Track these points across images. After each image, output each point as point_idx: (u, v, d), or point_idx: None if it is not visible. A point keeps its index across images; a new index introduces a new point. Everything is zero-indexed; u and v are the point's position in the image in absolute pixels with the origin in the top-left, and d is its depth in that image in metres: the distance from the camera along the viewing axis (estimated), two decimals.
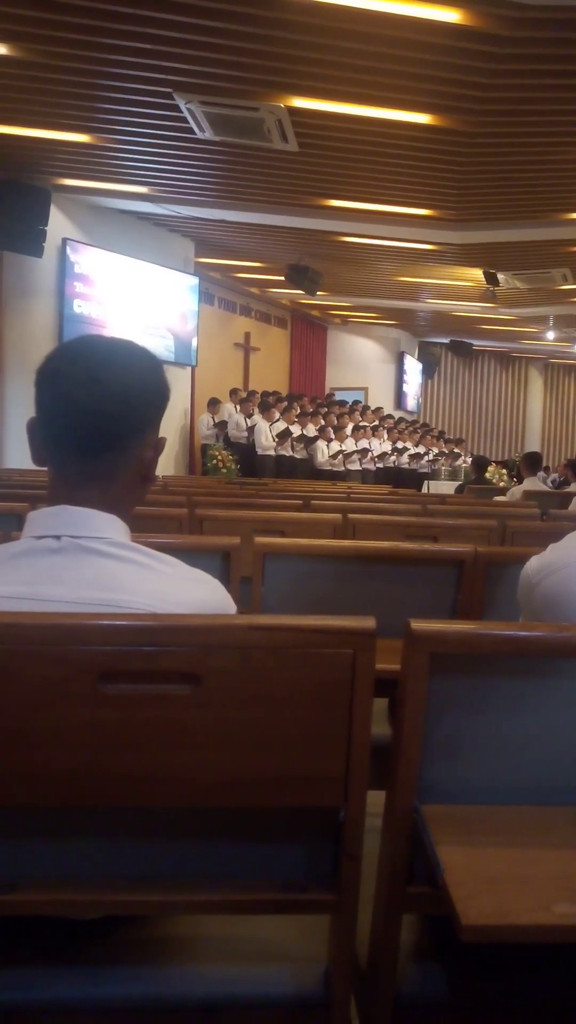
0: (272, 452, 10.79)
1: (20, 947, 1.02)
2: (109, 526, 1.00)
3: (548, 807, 1.00)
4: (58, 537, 0.98)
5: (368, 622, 0.91)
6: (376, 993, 1.01)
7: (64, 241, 8.38)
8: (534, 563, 1.31)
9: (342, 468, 11.71)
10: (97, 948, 1.03)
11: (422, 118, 5.70)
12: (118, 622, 0.88)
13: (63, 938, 1.04)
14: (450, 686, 0.97)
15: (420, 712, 0.96)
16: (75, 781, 0.90)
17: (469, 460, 11.45)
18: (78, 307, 8.61)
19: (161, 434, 1.10)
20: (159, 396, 1.07)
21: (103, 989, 0.99)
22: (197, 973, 1.01)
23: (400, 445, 13.31)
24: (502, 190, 7.21)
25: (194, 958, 1.03)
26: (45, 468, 1.05)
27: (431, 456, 14.05)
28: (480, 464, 9.34)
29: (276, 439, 10.72)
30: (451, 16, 4.32)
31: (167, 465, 9.81)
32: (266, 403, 11.03)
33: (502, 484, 9.74)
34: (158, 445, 1.08)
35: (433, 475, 13.49)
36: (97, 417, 1.00)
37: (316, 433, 11.58)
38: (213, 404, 10.76)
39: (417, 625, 0.94)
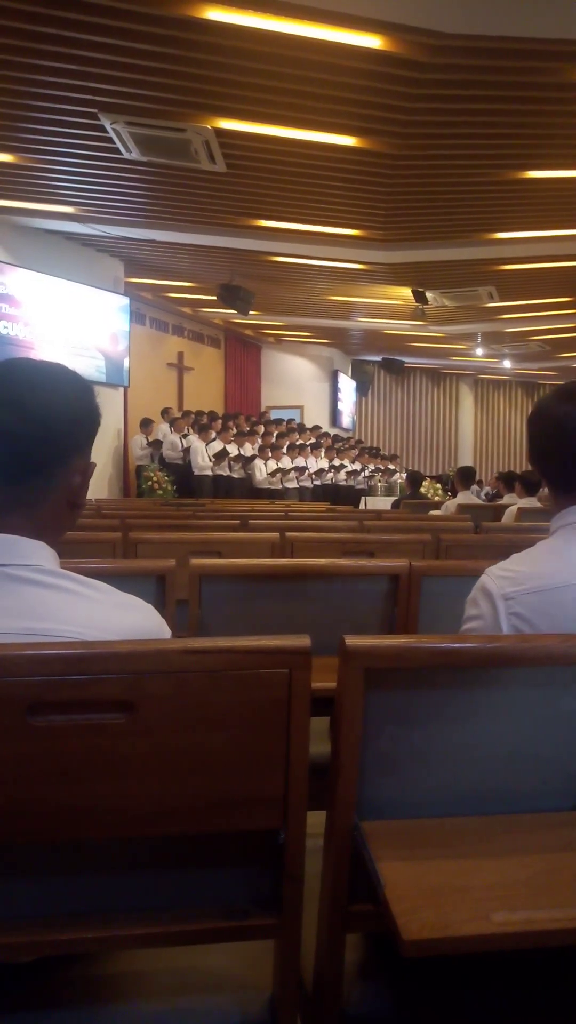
0: (209, 472, 10.74)
1: None
2: (37, 553, 0.98)
3: (485, 816, 1.00)
4: None
5: (303, 640, 0.91)
6: (322, 1015, 0.99)
7: None
8: (499, 574, 1.23)
9: (280, 487, 11.74)
10: (34, 992, 0.99)
11: (348, 140, 5.82)
12: (46, 651, 0.86)
13: None
14: (386, 701, 0.98)
15: (357, 728, 0.96)
16: (4, 818, 0.87)
17: (404, 476, 11.62)
18: (4, 328, 8.46)
19: (93, 456, 1.08)
20: (87, 421, 1.05)
21: None
22: (139, 1010, 0.98)
23: (337, 462, 13.44)
24: (428, 211, 7.39)
25: (136, 995, 1.00)
26: None
27: (367, 472, 14.22)
28: (415, 479, 9.50)
29: (213, 459, 10.68)
30: (373, 42, 4.44)
31: (100, 488, 9.66)
32: (201, 423, 10.99)
33: (437, 498, 9.91)
34: (87, 470, 1.06)
35: (370, 491, 13.66)
36: (21, 442, 0.98)
37: (253, 452, 11.59)
38: (146, 424, 10.67)
39: (351, 641, 0.94)
